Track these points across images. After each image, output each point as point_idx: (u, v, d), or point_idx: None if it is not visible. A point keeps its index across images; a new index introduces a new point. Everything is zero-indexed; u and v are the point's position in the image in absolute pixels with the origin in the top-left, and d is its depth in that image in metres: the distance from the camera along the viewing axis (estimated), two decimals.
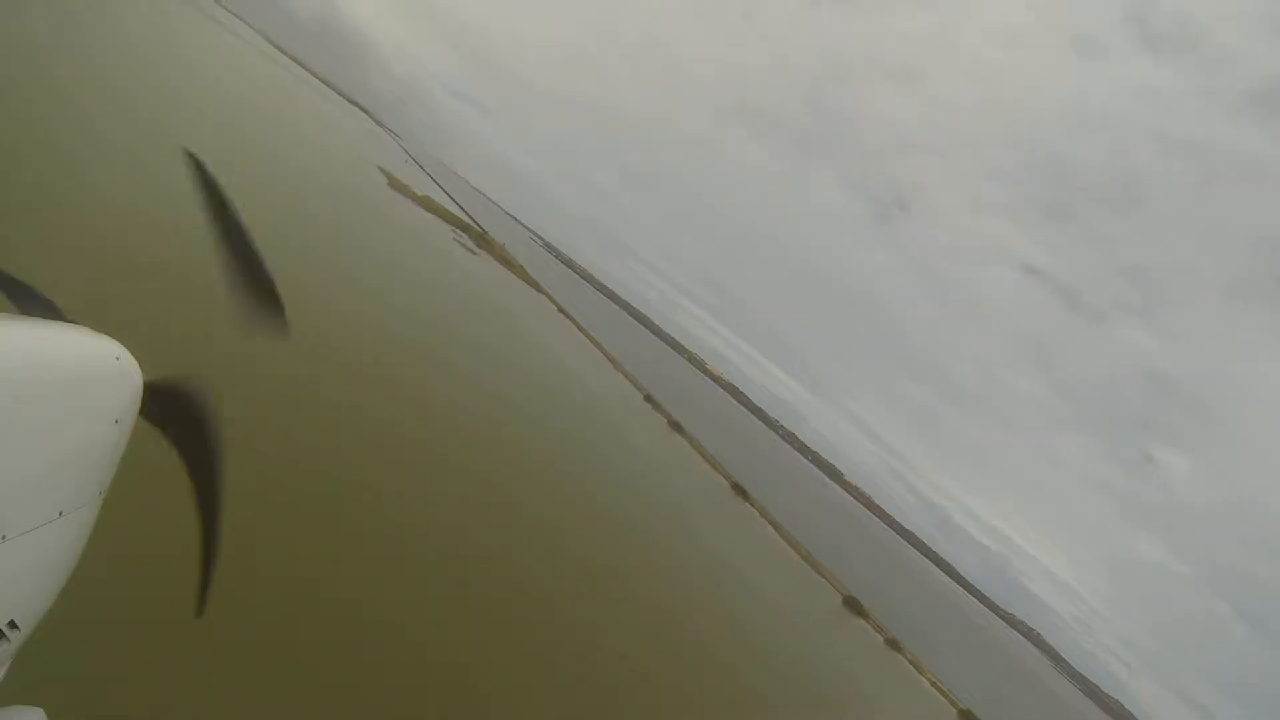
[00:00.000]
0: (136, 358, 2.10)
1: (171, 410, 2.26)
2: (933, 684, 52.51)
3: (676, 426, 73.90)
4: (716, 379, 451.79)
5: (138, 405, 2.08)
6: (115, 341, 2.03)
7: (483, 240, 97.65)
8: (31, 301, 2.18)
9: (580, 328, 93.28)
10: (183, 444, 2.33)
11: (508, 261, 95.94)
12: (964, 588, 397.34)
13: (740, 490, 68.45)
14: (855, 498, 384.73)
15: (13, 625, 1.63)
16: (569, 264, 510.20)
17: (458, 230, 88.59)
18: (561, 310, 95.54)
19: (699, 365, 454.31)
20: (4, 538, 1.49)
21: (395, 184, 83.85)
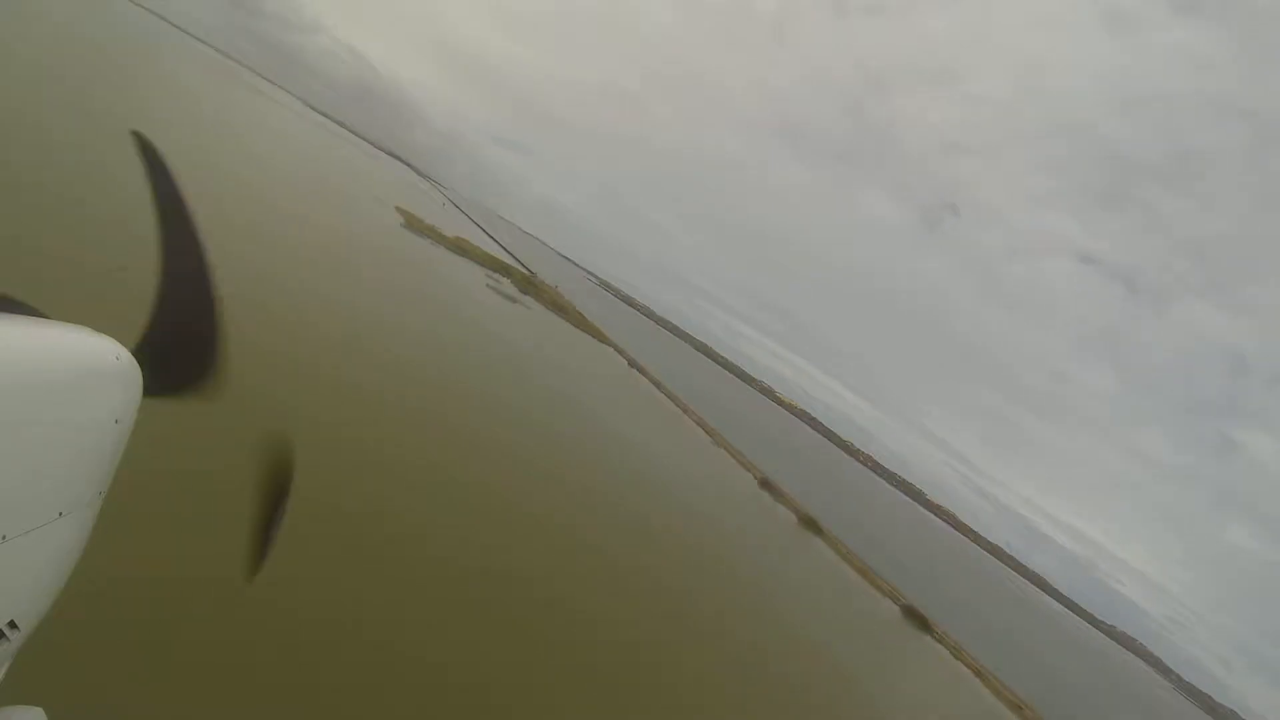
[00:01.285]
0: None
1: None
2: None
3: (812, 525, 52.85)
4: (789, 407, 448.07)
5: (137, 405, 2.08)
6: (115, 341, 2.04)
7: (529, 285, 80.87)
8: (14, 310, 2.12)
9: (655, 381, 74.17)
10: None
11: (561, 307, 78.35)
12: (1058, 600, 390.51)
13: (916, 616, 46.47)
14: (940, 516, 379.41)
15: (13, 625, 1.64)
16: (628, 301, 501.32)
17: (496, 274, 72.10)
18: (633, 365, 76.62)
19: (770, 395, 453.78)
20: (4, 538, 1.52)
21: (416, 225, 68.36)
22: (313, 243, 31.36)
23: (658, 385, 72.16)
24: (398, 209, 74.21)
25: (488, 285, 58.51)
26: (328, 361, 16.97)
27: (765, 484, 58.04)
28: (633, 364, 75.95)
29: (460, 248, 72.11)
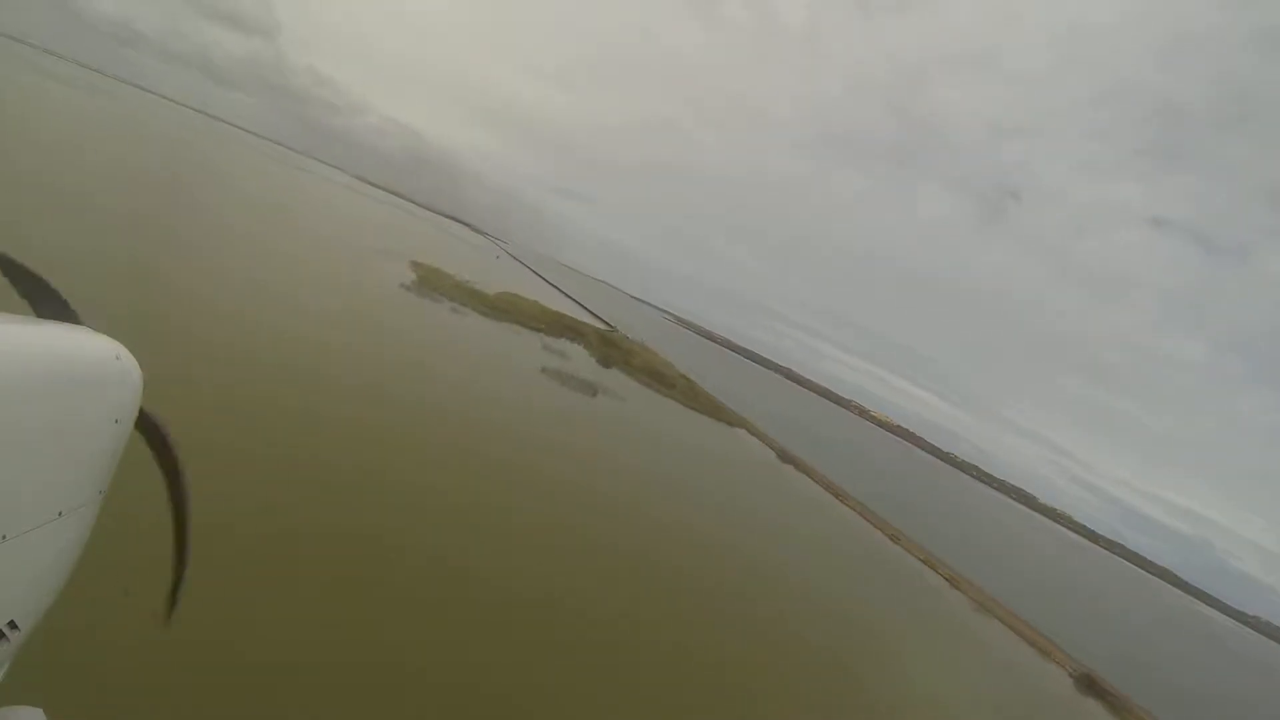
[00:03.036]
0: (136, 358, 2.17)
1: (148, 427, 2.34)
2: None
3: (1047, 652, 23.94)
4: (883, 424, 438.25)
5: (138, 405, 2.12)
6: (115, 341, 2.07)
7: (610, 346, 56.62)
8: (45, 297, 2.23)
9: (821, 479, 47.31)
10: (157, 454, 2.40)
11: (661, 377, 53.13)
12: (1185, 591, 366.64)
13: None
14: (1055, 520, 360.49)
15: (13, 625, 1.67)
16: (708, 335, 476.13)
17: (561, 340, 48.42)
18: (785, 457, 50.05)
19: (863, 413, 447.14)
20: (4, 538, 1.55)
21: (435, 284, 45.96)
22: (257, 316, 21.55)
23: (829, 488, 45.20)
24: (413, 264, 52.45)
25: (545, 369, 34.15)
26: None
27: (1089, 684, 29.52)
28: (784, 455, 49.34)
29: (505, 308, 48.97)
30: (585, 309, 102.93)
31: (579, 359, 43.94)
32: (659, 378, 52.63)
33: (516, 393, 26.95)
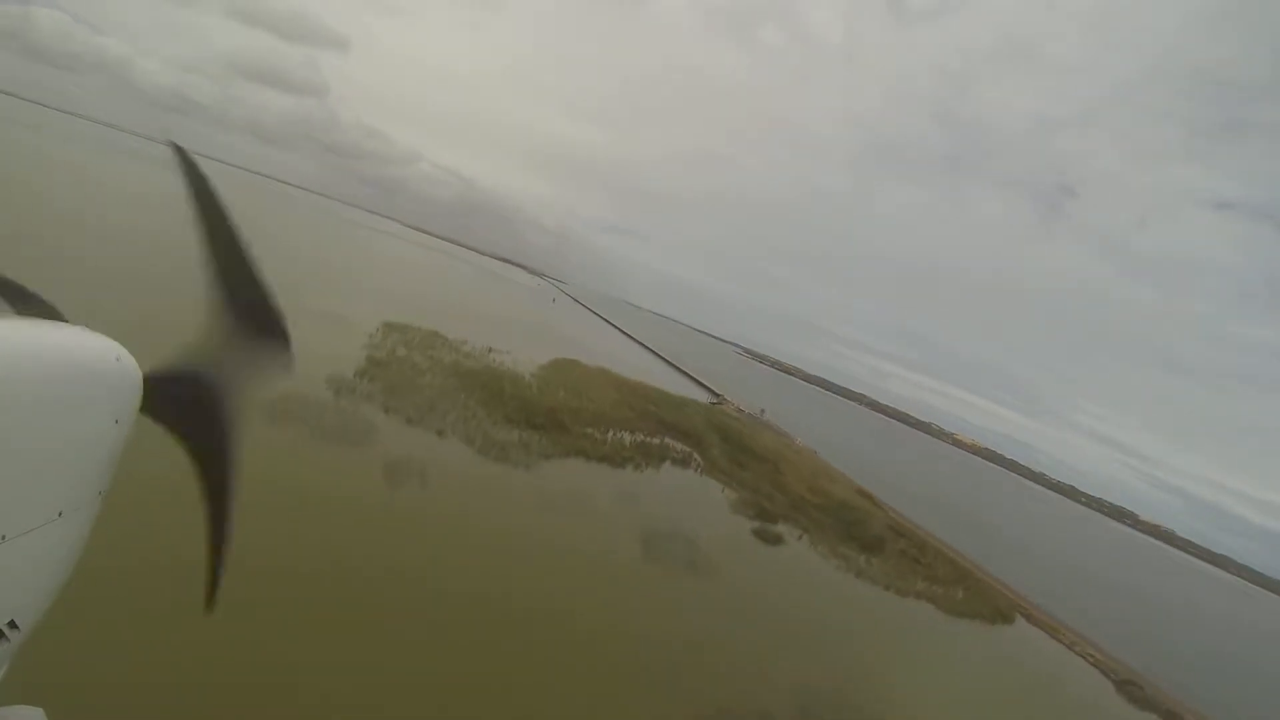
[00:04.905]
0: (136, 358, 2.14)
1: (175, 400, 2.26)
2: None
3: None
4: (973, 449, 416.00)
5: (138, 405, 2.12)
6: (115, 341, 2.07)
7: (746, 464, 31.61)
8: (33, 306, 2.20)
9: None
10: (188, 434, 2.32)
11: (861, 531, 27.22)
12: None
13: None
14: (1159, 538, 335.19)
15: (13, 625, 1.68)
16: (784, 369, 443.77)
17: (657, 470, 24.02)
18: (1144, 701, 22.91)
19: (949, 439, 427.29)
20: (4, 538, 1.56)
21: (400, 380, 22.46)
22: None
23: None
24: (386, 327, 29.29)
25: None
26: None
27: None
28: (1126, 686, 22.48)
29: (555, 407, 24.87)
30: (665, 359, 78.75)
31: (717, 536, 19.02)
32: (852, 531, 26.83)
33: None
